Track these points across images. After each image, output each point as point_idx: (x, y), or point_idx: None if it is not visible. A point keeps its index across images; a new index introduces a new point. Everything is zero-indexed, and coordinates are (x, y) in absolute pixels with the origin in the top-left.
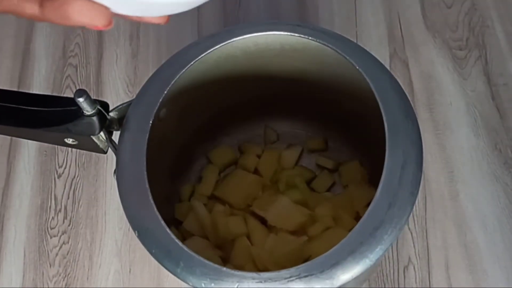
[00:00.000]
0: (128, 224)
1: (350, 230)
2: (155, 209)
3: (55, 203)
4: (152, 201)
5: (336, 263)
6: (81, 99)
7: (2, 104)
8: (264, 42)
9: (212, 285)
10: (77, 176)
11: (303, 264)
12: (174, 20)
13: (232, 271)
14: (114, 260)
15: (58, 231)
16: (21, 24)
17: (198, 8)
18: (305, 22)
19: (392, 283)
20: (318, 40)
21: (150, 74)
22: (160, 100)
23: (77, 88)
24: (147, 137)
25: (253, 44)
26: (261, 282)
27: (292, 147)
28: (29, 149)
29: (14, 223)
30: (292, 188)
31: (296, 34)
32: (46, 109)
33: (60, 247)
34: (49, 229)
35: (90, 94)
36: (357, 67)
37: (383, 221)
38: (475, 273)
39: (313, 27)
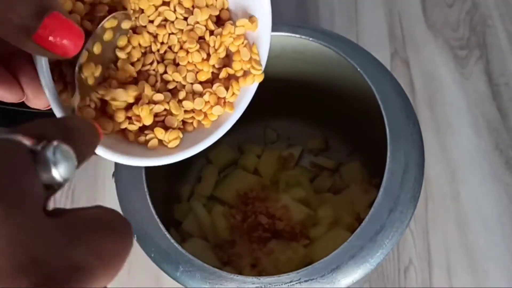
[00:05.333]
0: None
1: (350, 231)
2: (154, 213)
3: (54, 204)
4: (151, 205)
5: (336, 268)
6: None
7: (0, 107)
8: None
9: None
10: (76, 177)
11: (304, 269)
12: None
13: (232, 275)
14: None
15: None
16: None
17: None
18: (305, 22)
19: (392, 283)
20: (318, 41)
21: None
22: None
23: None
24: None
25: None
26: (261, 286)
27: (292, 147)
28: None
29: None
30: (296, 186)
31: (297, 35)
32: (45, 111)
33: None
34: None
35: None
36: (358, 68)
37: (384, 225)
38: (476, 273)
39: (313, 28)
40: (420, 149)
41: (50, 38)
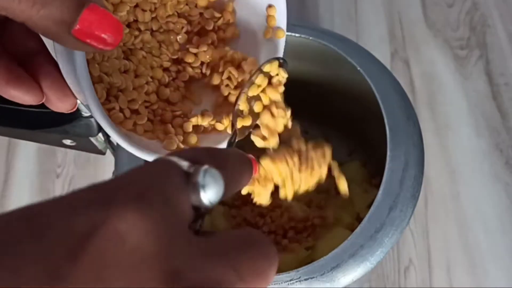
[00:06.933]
0: None
1: (351, 231)
2: None
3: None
4: None
5: (336, 266)
6: (79, 101)
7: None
8: None
9: None
10: (76, 176)
11: (304, 267)
12: None
13: None
14: None
15: None
16: None
17: None
18: (305, 21)
19: (392, 283)
20: (318, 41)
21: None
22: None
23: None
24: None
25: None
26: None
27: None
28: (28, 149)
29: None
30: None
31: (297, 35)
32: (44, 110)
33: None
34: None
35: None
36: (358, 68)
37: (384, 223)
38: (476, 273)
39: (313, 28)
40: (420, 148)
41: (90, 31)
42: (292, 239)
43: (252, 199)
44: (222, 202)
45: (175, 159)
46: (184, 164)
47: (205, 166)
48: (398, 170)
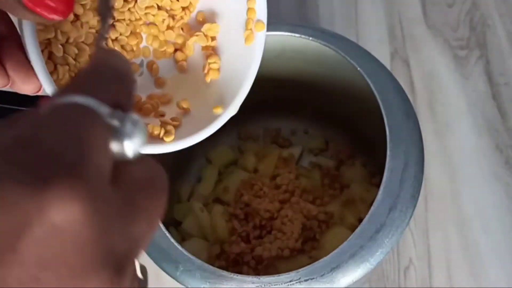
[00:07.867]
0: None
1: (352, 231)
2: None
3: None
4: None
5: (336, 267)
6: None
7: (0, 106)
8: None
9: None
10: None
11: (304, 268)
12: None
13: (232, 275)
14: None
15: None
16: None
17: None
18: (305, 21)
19: (392, 283)
20: (318, 41)
21: None
22: None
23: None
24: None
25: None
26: (261, 286)
27: (292, 147)
28: None
29: None
30: (295, 186)
31: (297, 35)
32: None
33: None
34: None
35: None
36: (358, 68)
37: (384, 224)
38: (476, 273)
39: (313, 28)
40: (419, 147)
41: (39, 1)
42: (292, 238)
43: (251, 200)
44: (222, 202)
45: (93, 104)
46: (105, 111)
47: (132, 116)
48: (398, 169)
